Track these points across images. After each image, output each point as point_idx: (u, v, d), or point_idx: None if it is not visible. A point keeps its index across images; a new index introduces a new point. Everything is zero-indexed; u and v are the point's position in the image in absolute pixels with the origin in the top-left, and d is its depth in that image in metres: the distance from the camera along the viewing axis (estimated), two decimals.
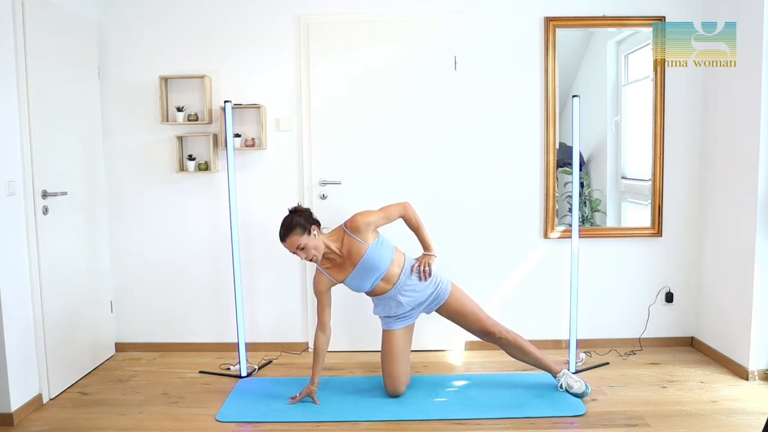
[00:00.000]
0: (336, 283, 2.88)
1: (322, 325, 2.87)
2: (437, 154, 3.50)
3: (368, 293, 2.92)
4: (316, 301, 2.92)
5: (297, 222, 2.74)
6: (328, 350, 3.49)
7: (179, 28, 3.50)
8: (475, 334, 2.98)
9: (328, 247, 2.80)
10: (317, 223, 2.83)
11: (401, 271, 2.86)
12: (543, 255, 3.57)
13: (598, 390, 2.97)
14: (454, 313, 2.93)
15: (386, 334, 2.93)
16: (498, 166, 3.53)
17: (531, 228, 3.56)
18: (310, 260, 2.79)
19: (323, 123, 3.50)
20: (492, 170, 3.53)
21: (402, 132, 3.49)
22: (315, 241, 2.76)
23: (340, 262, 2.84)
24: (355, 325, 3.45)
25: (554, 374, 2.94)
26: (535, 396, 2.89)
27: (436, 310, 2.97)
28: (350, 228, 2.81)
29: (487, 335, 2.92)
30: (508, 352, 2.98)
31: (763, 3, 2.88)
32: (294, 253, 2.78)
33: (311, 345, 3.53)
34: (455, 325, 3.01)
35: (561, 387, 2.90)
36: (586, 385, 2.88)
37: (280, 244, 2.81)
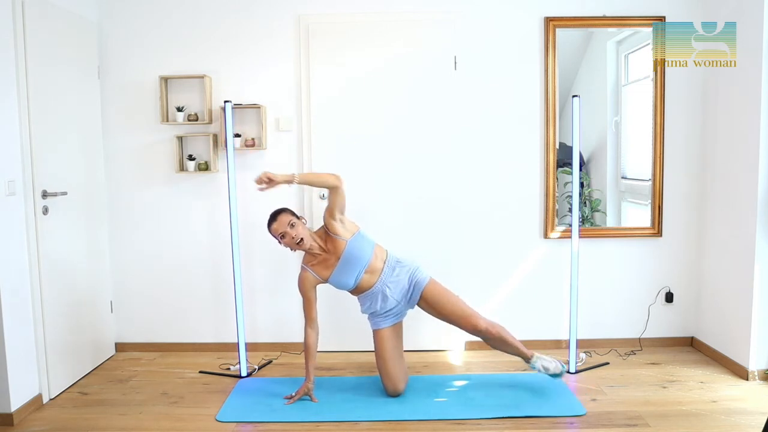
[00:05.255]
0: (321, 281, 2.92)
1: (310, 322, 2.90)
2: (437, 154, 3.50)
3: (354, 291, 2.94)
4: (302, 299, 2.93)
5: (288, 208, 2.92)
6: (329, 351, 3.52)
7: (179, 28, 3.50)
8: (462, 328, 2.92)
9: (315, 240, 2.89)
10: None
11: (384, 264, 2.91)
12: (543, 255, 3.57)
13: (598, 390, 2.97)
14: (436, 305, 2.89)
15: (376, 334, 2.95)
16: (498, 166, 3.53)
17: (531, 228, 3.56)
18: (297, 244, 2.83)
19: (323, 123, 3.50)
20: (492, 170, 3.53)
21: (402, 132, 3.49)
22: (304, 227, 2.88)
23: (325, 257, 2.89)
24: (353, 325, 3.44)
25: (527, 359, 2.95)
26: (535, 396, 2.89)
27: (419, 304, 2.95)
28: (326, 226, 2.91)
29: (474, 329, 2.87)
30: (489, 344, 2.97)
31: (763, 3, 2.88)
32: (282, 234, 2.83)
33: None
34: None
35: (537, 370, 2.93)
36: (562, 365, 2.93)
37: (274, 242, 2.89)
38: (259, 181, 2.79)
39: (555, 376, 2.94)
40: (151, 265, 3.62)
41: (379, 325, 2.95)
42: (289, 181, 2.79)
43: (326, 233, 2.91)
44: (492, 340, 2.92)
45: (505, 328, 2.92)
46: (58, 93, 3.09)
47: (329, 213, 2.87)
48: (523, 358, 2.96)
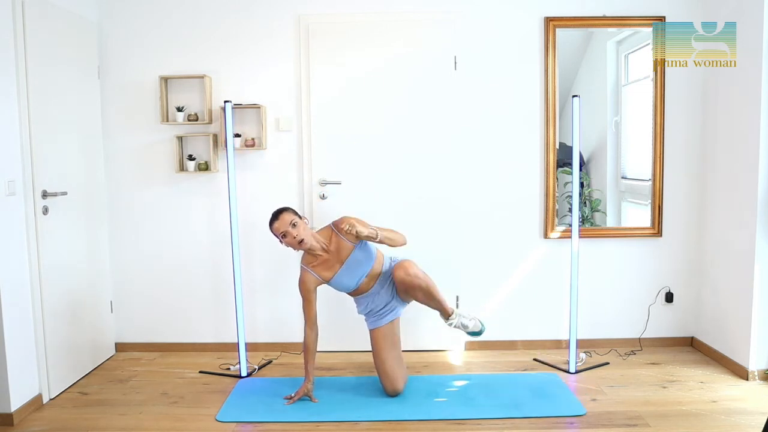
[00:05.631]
0: (322, 282, 2.92)
1: (311, 323, 2.90)
2: (437, 155, 3.50)
3: (353, 293, 2.96)
4: (302, 300, 2.92)
5: (290, 208, 2.93)
6: (329, 351, 3.52)
7: (179, 28, 3.50)
8: (401, 279, 2.83)
9: (317, 240, 2.88)
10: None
11: (381, 267, 2.95)
12: (543, 255, 3.57)
13: (598, 390, 2.97)
14: (401, 282, 2.84)
15: (373, 333, 2.96)
16: (498, 166, 3.53)
17: (531, 228, 3.56)
18: (299, 243, 2.82)
19: (323, 123, 3.50)
20: (492, 170, 3.53)
21: (402, 132, 3.49)
22: (306, 227, 2.88)
23: (327, 259, 2.89)
24: (353, 325, 3.44)
25: (447, 316, 2.95)
26: (535, 396, 2.89)
27: (400, 294, 2.93)
28: (338, 227, 2.89)
29: (405, 273, 2.81)
30: (414, 296, 2.90)
31: (763, 3, 2.88)
32: (283, 234, 2.82)
33: None
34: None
35: (454, 326, 2.95)
36: (482, 323, 2.97)
37: (275, 242, 2.91)
38: (348, 233, 2.77)
39: (473, 334, 2.99)
40: (151, 265, 3.61)
41: (375, 324, 2.96)
42: (371, 238, 2.77)
43: (334, 233, 2.90)
44: (418, 290, 2.83)
45: (436, 286, 2.86)
46: (58, 93, 3.09)
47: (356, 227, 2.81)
48: (443, 314, 2.96)
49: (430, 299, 2.89)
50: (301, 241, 2.82)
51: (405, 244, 2.89)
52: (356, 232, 2.72)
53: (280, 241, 2.88)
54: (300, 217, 2.89)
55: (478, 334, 3.00)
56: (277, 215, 2.87)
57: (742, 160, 3.09)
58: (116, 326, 3.65)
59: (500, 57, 3.48)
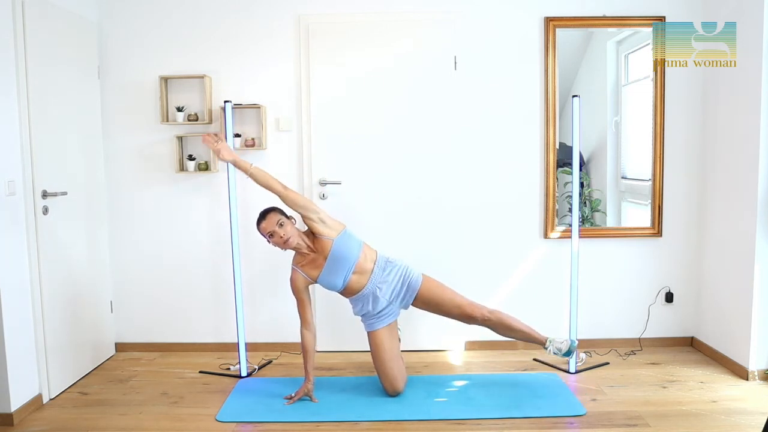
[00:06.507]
0: (311, 282, 2.93)
1: (306, 323, 2.90)
2: (437, 154, 3.50)
3: (345, 292, 2.94)
4: (295, 301, 2.93)
5: (278, 208, 2.92)
6: (328, 351, 3.52)
7: (179, 28, 3.50)
8: (460, 321, 2.96)
9: (302, 240, 2.90)
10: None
11: (374, 265, 2.92)
12: (543, 255, 3.57)
13: (598, 390, 2.97)
14: (432, 303, 2.93)
15: (371, 336, 2.95)
16: (498, 166, 3.53)
17: (531, 228, 3.56)
18: (285, 243, 2.84)
19: (323, 123, 3.50)
20: (492, 170, 3.53)
21: (402, 132, 3.49)
22: (293, 226, 2.89)
23: (314, 257, 2.90)
24: (352, 325, 3.44)
25: (542, 344, 2.96)
26: (535, 396, 2.89)
27: (414, 304, 2.96)
28: (308, 228, 2.93)
29: (470, 319, 2.91)
30: (496, 332, 2.97)
31: (763, 3, 2.88)
32: (270, 233, 2.84)
33: None
34: (455, 324, 3.01)
35: (552, 353, 2.96)
36: (571, 341, 2.95)
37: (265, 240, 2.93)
38: (206, 140, 2.86)
39: (568, 354, 2.95)
40: (151, 265, 3.62)
41: (373, 327, 2.95)
42: (244, 170, 2.83)
43: (311, 233, 2.93)
44: (495, 327, 2.92)
45: (507, 315, 2.92)
46: (58, 93, 3.09)
47: (302, 216, 2.89)
48: (537, 343, 2.97)
49: (512, 331, 2.93)
50: (287, 240, 2.83)
51: (280, 191, 2.83)
52: (219, 153, 2.83)
53: (268, 241, 2.90)
54: (287, 217, 2.90)
55: (571, 353, 2.96)
56: (264, 215, 2.89)
57: (742, 160, 3.09)
58: (116, 326, 3.65)
59: (500, 57, 3.48)
